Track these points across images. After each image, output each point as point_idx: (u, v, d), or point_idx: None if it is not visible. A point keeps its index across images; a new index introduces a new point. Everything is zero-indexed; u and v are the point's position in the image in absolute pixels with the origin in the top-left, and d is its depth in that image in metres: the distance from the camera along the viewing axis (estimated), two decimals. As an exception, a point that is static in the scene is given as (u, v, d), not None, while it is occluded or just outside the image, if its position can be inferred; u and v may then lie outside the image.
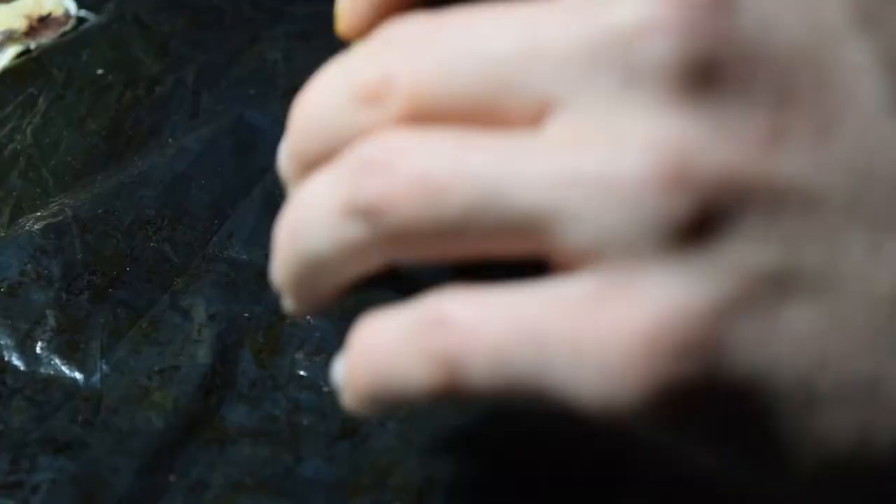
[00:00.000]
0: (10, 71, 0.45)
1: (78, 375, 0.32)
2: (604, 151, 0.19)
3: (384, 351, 0.20)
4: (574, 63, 0.19)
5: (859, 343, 0.19)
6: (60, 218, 0.36)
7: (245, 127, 0.41)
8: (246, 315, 0.34)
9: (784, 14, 0.20)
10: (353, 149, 0.21)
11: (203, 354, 0.32)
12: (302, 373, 0.32)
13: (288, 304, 0.23)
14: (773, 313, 0.19)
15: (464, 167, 0.19)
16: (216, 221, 0.37)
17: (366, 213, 0.20)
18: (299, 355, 0.32)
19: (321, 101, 0.22)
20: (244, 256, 0.36)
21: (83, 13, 0.48)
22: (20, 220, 0.37)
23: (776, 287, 0.19)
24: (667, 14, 0.19)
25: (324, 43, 0.45)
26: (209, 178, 0.39)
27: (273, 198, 0.38)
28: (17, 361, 0.32)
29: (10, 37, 0.46)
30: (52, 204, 0.38)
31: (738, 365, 0.19)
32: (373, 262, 0.21)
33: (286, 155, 0.23)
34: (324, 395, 0.31)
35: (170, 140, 0.41)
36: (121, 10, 0.48)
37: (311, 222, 0.21)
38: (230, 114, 0.42)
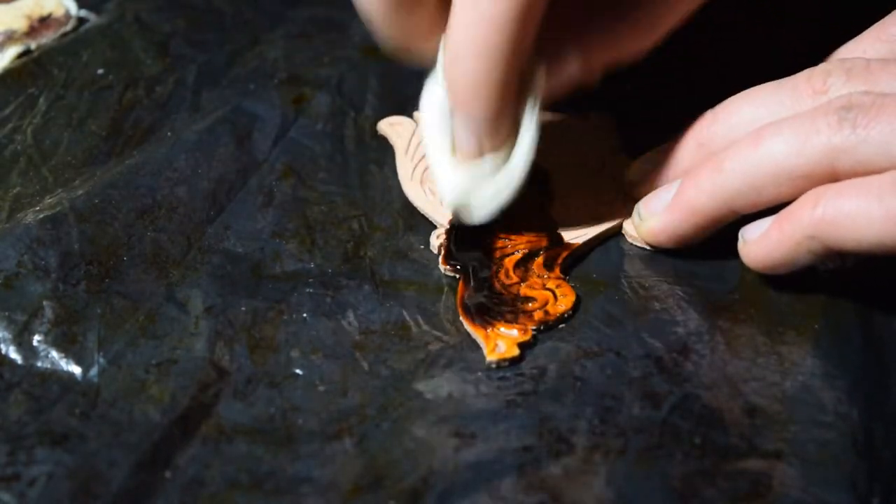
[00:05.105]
0: (11, 71, 0.45)
1: (75, 369, 0.32)
2: None
3: None
4: None
5: None
6: (58, 209, 0.36)
7: (242, 115, 0.41)
8: (242, 308, 0.33)
9: None
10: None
11: (200, 348, 0.32)
12: (298, 371, 0.32)
13: None
14: None
15: None
16: (212, 212, 0.37)
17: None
18: (295, 353, 0.32)
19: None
20: (239, 249, 0.36)
21: (83, 13, 0.48)
22: (18, 216, 0.37)
23: None
24: None
25: (324, 46, 0.45)
26: (206, 167, 0.39)
27: (269, 190, 0.38)
28: (14, 355, 0.32)
29: (11, 37, 0.46)
30: (50, 198, 0.38)
31: None
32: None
33: None
34: (319, 394, 0.31)
35: (168, 134, 0.41)
36: (121, 10, 0.48)
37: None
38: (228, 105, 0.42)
